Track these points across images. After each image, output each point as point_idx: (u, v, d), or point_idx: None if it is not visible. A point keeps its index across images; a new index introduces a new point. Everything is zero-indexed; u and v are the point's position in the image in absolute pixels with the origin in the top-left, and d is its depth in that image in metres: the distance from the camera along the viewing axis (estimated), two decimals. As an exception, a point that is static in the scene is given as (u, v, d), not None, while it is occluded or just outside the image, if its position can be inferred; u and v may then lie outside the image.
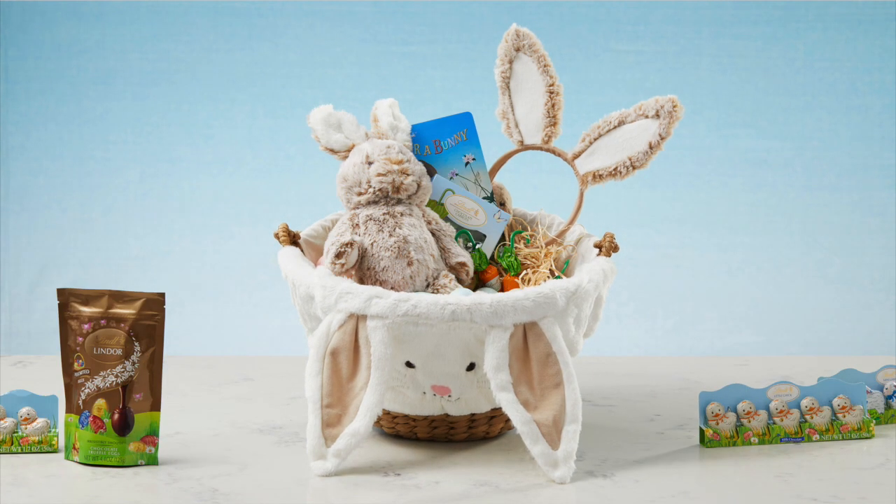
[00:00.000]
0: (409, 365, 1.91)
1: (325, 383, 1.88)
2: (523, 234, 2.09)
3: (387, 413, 2.01)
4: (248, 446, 2.00)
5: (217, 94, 3.24)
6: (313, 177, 3.08)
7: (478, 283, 2.05)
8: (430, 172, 2.08)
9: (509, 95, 2.12)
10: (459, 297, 1.87)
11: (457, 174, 2.10)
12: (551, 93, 2.08)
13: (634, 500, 1.80)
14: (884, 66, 3.10)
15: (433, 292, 1.95)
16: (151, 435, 1.90)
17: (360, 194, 2.01)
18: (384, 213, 1.98)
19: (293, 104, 3.18)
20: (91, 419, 1.89)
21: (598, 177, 2.05)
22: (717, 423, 1.97)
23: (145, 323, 1.90)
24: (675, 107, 2.03)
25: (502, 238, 2.10)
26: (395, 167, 2.00)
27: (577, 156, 2.07)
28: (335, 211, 2.15)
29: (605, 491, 1.82)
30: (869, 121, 3.12)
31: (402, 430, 2.02)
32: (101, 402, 1.89)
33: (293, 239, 2.08)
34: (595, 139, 2.07)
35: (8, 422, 1.93)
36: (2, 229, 3.19)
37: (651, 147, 2.03)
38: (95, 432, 1.88)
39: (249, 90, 3.22)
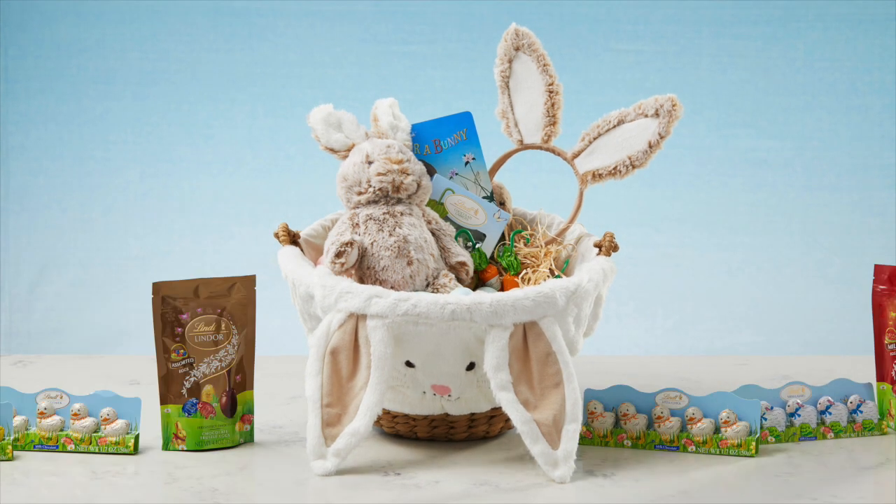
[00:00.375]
0: (408, 364, 1.91)
1: (324, 383, 1.88)
2: (523, 233, 2.09)
3: (387, 412, 2.01)
4: (248, 446, 2.00)
5: (217, 94, 3.24)
6: (313, 177, 3.08)
7: (477, 282, 2.05)
8: (430, 172, 2.09)
9: (509, 95, 2.12)
10: (459, 296, 1.87)
11: (457, 173, 2.11)
12: (551, 92, 2.09)
13: (634, 499, 1.80)
14: (884, 66, 3.10)
15: (433, 292, 1.96)
16: (248, 413, 1.99)
17: (360, 193, 2.01)
18: (384, 213, 1.99)
19: (293, 104, 3.18)
20: (200, 405, 1.96)
21: (597, 176, 2.06)
22: (593, 422, 1.97)
23: (239, 305, 1.99)
24: (674, 106, 2.03)
25: (502, 237, 2.11)
26: (395, 167, 2.00)
27: (576, 155, 2.08)
28: (335, 211, 2.15)
29: (605, 490, 1.82)
30: (869, 121, 3.12)
31: (401, 429, 2.02)
32: (208, 388, 1.97)
33: (293, 238, 2.08)
34: (595, 138, 2.07)
35: (88, 421, 1.96)
36: (2, 229, 3.19)
37: (650, 146, 2.03)
38: (206, 417, 1.96)
39: (249, 90, 3.21)
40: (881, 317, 2.06)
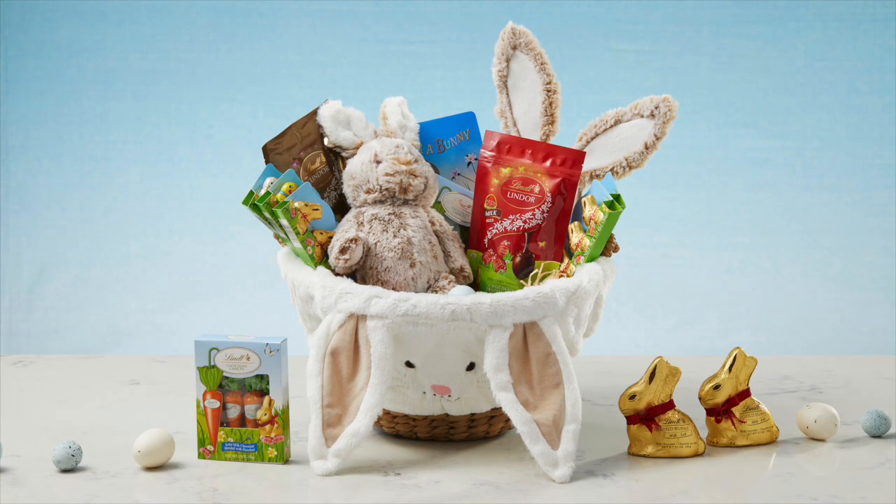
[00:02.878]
0: (409, 365, 1.92)
1: (325, 383, 1.89)
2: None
3: (387, 413, 2.02)
4: None
5: (217, 94, 3.23)
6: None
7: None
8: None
9: (507, 94, 2.13)
10: (459, 296, 1.88)
11: (459, 174, 2.13)
12: (548, 91, 2.10)
13: (634, 499, 1.82)
14: (884, 66, 3.11)
15: (433, 293, 1.96)
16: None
17: (367, 192, 2.02)
18: (389, 213, 2.00)
19: (293, 104, 3.15)
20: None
21: (595, 176, 2.06)
22: None
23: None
24: (669, 107, 2.04)
25: None
26: (404, 168, 2.01)
27: (575, 155, 2.09)
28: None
29: (605, 490, 1.84)
30: (868, 120, 3.13)
31: (402, 429, 2.03)
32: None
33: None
34: (592, 138, 2.08)
35: None
36: (2, 229, 3.18)
37: (647, 147, 2.04)
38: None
39: (249, 89, 3.21)
40: (483, 183, 2.07)
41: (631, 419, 1.95)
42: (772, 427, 1.98)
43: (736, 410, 1.97)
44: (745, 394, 1.98)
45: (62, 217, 3.25)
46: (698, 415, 2.01)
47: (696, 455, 1.94)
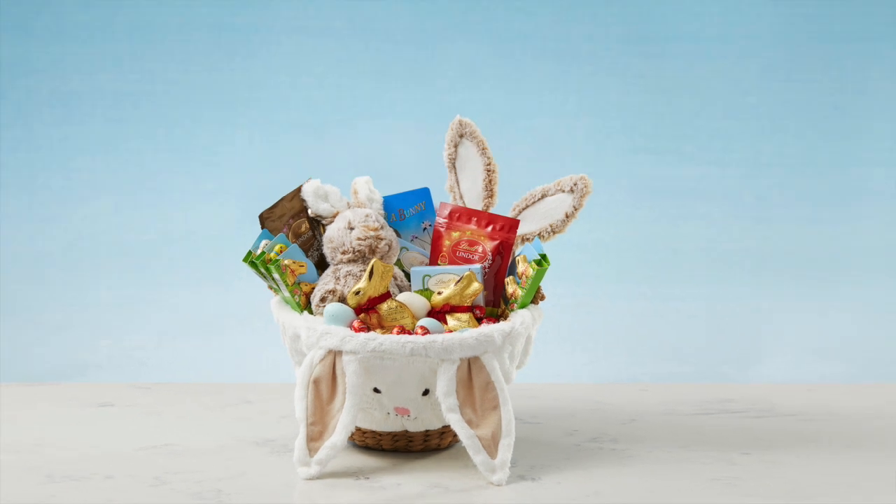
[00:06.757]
0: (376, 391, 1.91)
1: (309, 405, 1.88)
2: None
3: (358, 429, 2.00)
4: (247, 455, 1.99)
5: (219, 115, 2.73)
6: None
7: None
8: (393, 236, 2.07)
9: (455, 173, 2.11)
10: (417, 336, 1.87)
11: (416, 237, 2.11)
12: (489, 171, 2.08)
13: (557, 499, 1.81)
14: (807, 85, 2.81)
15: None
16: None
17: (343, 253, 2.00)
18: (360, 270, 1.99)
19: (284, 128, 2.74)
20: None
21: (526, 240, 2.05)
22: None
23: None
24: (586, 184, 2.03)
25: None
26: (372, 233, 2.00)
27: (508, 222, 2.08)
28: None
29: (534, 492, 1.84)
30: (786, 149, 2.82)
31: (370, 442, 2.01)
32: None
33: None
34: (523, 209, 2.07)
35: None
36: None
37: (567, 216, 2.04)
38: None
39: (247, 113, 2.75)
40: (437, 244, 2.06)
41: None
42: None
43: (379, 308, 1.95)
44: (385, 297, 1.95)
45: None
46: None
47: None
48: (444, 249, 2.04)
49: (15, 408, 2.22)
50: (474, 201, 2.09)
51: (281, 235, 2.00)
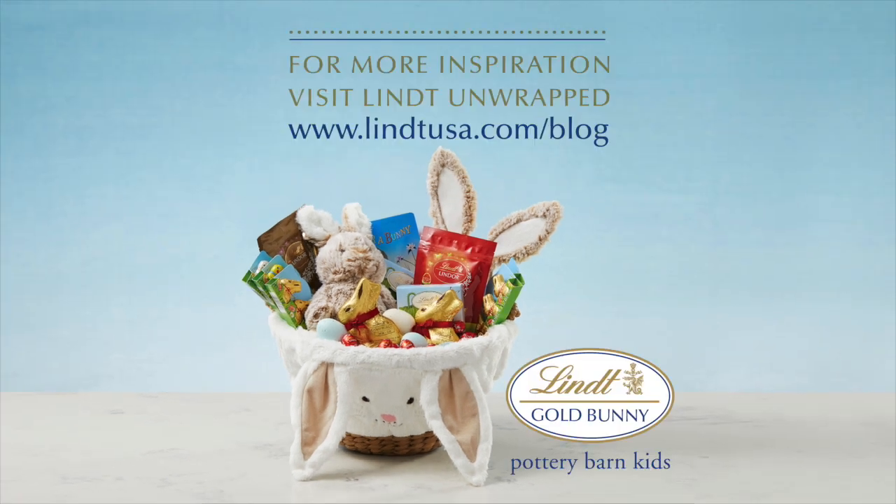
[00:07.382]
0: (364, 399, 1.93)
1: (303, 413, 1.89)
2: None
3: (349, 434, 2.02)
4: (246, 458, 2.00)
5: (221, 147, 2.76)
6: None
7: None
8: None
9: (437, 199, 2.12)
10: (402, 349, 1.89)
11: (402, 258, 2.13)
12: (468, 197, 2.10)
13: (531, 499, 1.83)
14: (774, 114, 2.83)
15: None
16: None
17: (334, 273, 2.02)
18: (350, 289, 2.01)
19: (282, 157, 2.77)
20: None
21: (502, 260, 2.07)
22: None
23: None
24: (557, 209, 2.06)
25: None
26: (361, 255, 2.02)
27: (486, 244, 2.09)
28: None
29: (509, 492, 1.86)
30: (750, 176, 2.84)
31: (359, 447, 2.02)
32: None
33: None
34: (500, 233, 2.09)
35: None
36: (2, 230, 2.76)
37: (540, 239, 2.06)
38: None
39: (249, 145, 2.78)
40: (421, 264, 2.07)
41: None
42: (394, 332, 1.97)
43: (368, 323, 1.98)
44: (373, 313, 1.98)
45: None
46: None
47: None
48: (428, 270, 2.06)
49: (33, 415, 2.25)
50: (455, 225, 2.11)
51: (278, 257, 2.03)
